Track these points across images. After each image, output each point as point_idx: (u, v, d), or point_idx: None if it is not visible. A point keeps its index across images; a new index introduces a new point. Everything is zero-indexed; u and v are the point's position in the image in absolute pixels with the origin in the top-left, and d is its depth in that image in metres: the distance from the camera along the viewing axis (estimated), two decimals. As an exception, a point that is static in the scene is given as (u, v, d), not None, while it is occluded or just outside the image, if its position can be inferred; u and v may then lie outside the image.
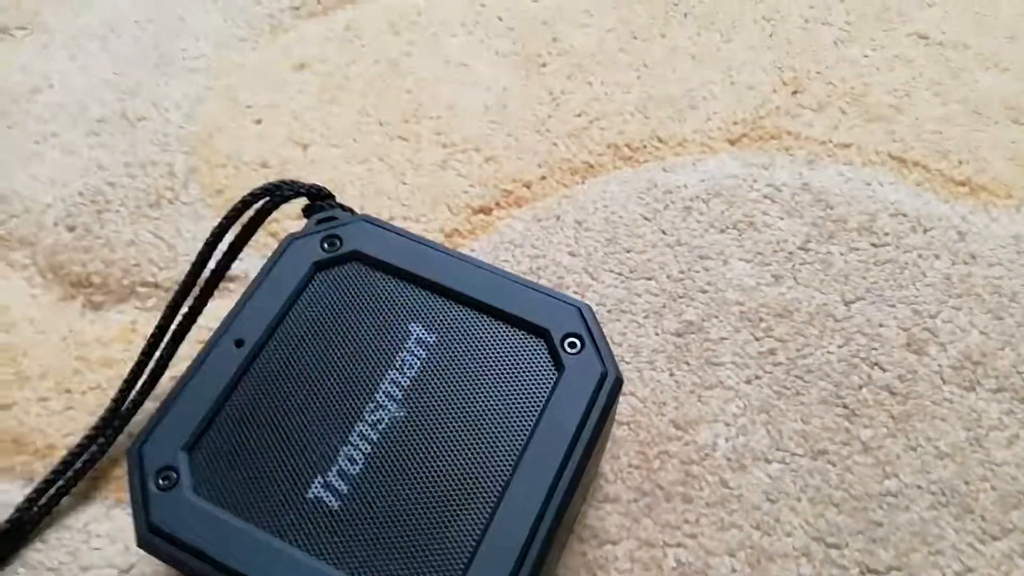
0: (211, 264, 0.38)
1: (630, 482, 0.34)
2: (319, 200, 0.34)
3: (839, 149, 0.43)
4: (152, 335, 0.36)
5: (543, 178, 0.42)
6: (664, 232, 0.40)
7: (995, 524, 0.33)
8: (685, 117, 0.44)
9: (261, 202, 0.33)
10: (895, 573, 0.32)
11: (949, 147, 0.43)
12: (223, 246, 0.38)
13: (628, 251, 0.40)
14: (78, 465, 0.33)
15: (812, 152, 0.43)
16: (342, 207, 0.34)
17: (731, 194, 0.41)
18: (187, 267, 0.38)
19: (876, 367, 0.36)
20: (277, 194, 0.32)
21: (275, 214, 0.41)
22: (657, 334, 0.37)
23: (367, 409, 0.27)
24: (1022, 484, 0.34)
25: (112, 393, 0.35)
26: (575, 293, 0.38)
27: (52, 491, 0.32)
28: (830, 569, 0.32)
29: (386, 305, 0.29)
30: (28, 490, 0.33)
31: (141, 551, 0.32)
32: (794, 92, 0.45)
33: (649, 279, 0.39)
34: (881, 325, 0.38)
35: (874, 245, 0.40)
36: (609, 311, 0.38)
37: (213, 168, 0.42)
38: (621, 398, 0.36)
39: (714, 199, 0.41)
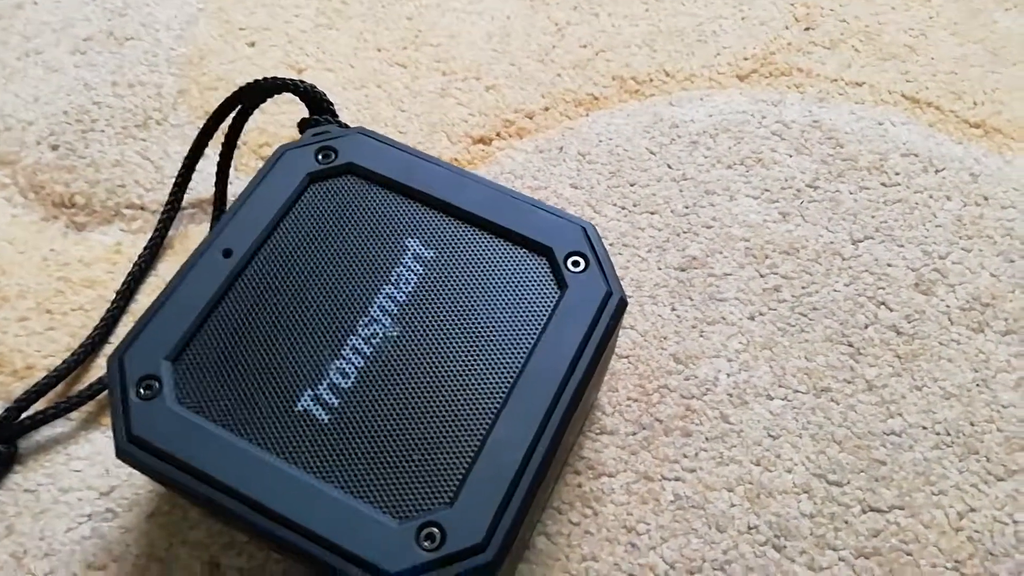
0: (204, 181, 0.36)
1: (628, 415, 0.33)
2: (315, 110, 0.33)
3: (851, 87, 0.42)
4: (140, 256, 0.35)
5: (546, 109, 0.41)
6: (670, 166, 0.39)
7: (1000, 465, 0.32)
8: (694, 51, 0.43)
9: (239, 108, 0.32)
10: (897, 512, 0.31)
11: (964, 88, 0.42)
12: (211, 167, 0.37)
13: (632, 184, 0.38)
14: (59, 387, 0.32)
15: (823, 90, 0.42)
16: (340, 124, 0.33)
17: (739, 130, 0.40)
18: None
19: (883, 306, 0.35)
20: (261, 90, 0.31)
21: (273, 133, 0.39)
22: (660, 268, 0.36)
23: (360, 323, 0.26)
24: (1029, 426, 0.33)
25: (95, 314, 0.34)
26: (576, 225, 0.37)
27: (31, 411, 0.31)
28: (831, 506, 0.31)
29: (382, 219, 0.28)
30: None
31: (122, 474, 0.31)
32: (806, 28, 0.43)
33: (653, 213, 0.38)
34: (889, 265, 0.37)
35: (884, 185, 0.39)
36: (611, 244, 0.37)
37: (203, 90, 0.41)
38: (621, 331, 0.35)
39: (722, 134, 0.40)
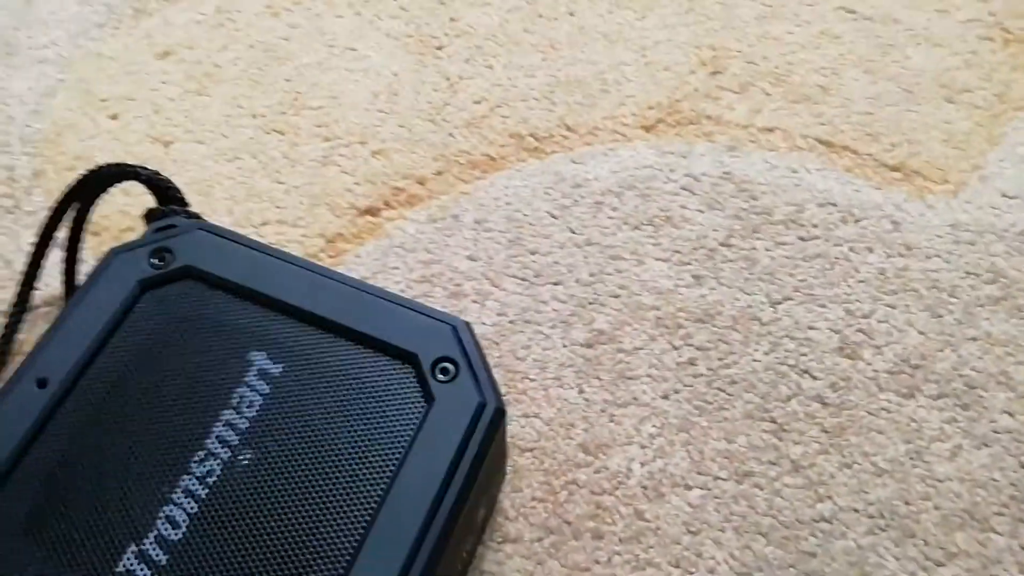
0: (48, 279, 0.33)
1: (534, 518, 0.30)
2: (161, 199, 0.29)
3: (763, 134, 0.39)
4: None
5: (439, 173, 0.38)
6: (573, 231, 0.36)
7: (938, 548, 0.30)
8: (596, 102, 0.40)
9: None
10: (831, 609, 0.28)
11: (880, 129, 0.39)
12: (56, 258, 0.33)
13: (533, 253, 0.35)
14: None
15: (734, 138, 0.39)
16: (189, 214, 0.29)
17: (646, 186, 0.37)
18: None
19: (806, 375, 0.33)
20: (97, 183, 0.27)
21: (135, 216, 0.36)
22: (565, 346, 0.33)
23: (195, 460, 0.22)
24: (966, 501, 0.30)
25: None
26: (474, 302, 0.34)
27: None
28: (758, 609, 0.28)
29: (223, 331, 0.24)
30: None
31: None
32: (713, 72, 0.41)
33: (556, 284, 0.35)
34: (811, 327, 0.34)
35: (802, 239, 0.36)
36: (512, 321, 0.34)
37: (61, 171, 0.37)
38: (525, 422, 0.32)
39: (627, 192, 0.37)
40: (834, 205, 0.37)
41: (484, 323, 0.34)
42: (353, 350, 0.24)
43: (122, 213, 0.36)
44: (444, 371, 0.24)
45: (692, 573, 0.29)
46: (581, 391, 0.32)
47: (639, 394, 0.32)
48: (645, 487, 0.30)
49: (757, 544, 0.29)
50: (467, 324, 0.25)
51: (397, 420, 0.23)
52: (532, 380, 0.33)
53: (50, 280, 0.34)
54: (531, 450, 0.31)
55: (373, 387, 0.24)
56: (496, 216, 0.36)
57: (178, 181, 0.36)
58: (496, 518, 0.30)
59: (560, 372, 0.33)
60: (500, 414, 0.23)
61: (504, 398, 0.32)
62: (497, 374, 0.32)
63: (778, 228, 0.36)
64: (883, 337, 0.34)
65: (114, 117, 0.38)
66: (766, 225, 0.36)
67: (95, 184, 0.29)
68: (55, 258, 0.33)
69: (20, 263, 0.34)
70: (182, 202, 0.29)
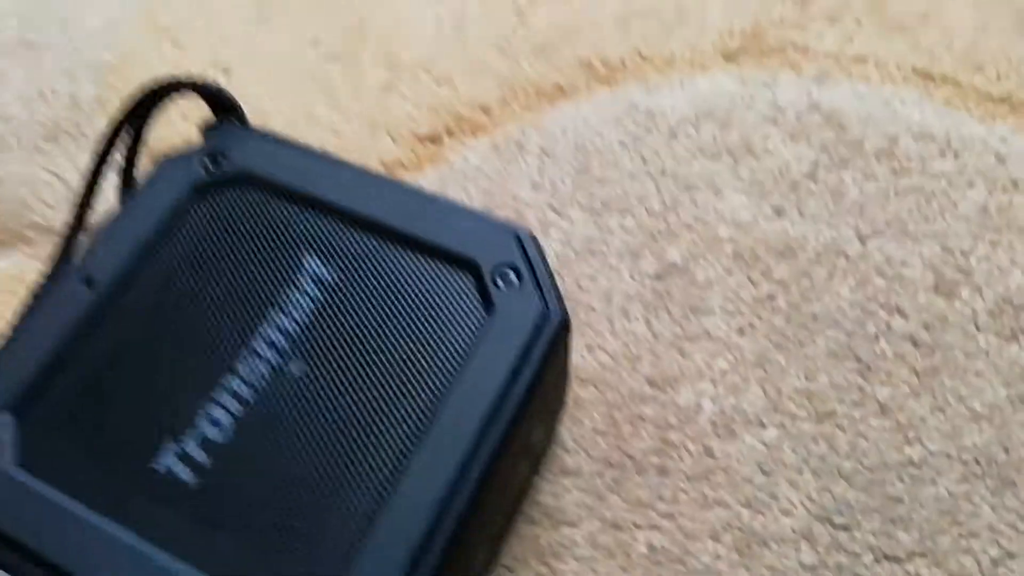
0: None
1: (595, 452, 0.28)
2: (218, 110, 0.28)
3: (854, 64, 0.36)
4: (39, 285, 0.31)
5: (504, 102, 0.36)
6: (645, 160, 0.34)
7: (1042, 501, 0.27)
8: (672, 30, 0.38)
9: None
10: (918, 560, 0.26)
11: (985, 59, 0.36)
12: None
13: (601, 182, 0.34)
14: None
15: (822, 68, 0.36)
16: (246, 126, 0.28)
17: (726, 116, 0.35)
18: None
19: (897, 313, 0.30)
20: (155, 96, 0.26)
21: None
22: (633, 278, 0.31)
23: (240, 361, 0.21)
24: (1077, 452, 0.27)
25: (-11, 352, 0.30)
26: (536, 231, 0.32)
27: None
28: (837, 556, 0.26)
29: (276, 235, 0.23)
30: None
31: None
32: (802, 0, 0.38)
33: (625, 214, 0.33)
34: (903, 264, 0.31)
35: (895, 172, 0.33)
36: (576, 252, 0.32)
37: (123, 97, 0.37)
38: (587, 354, 0.30)
39: (705, 122, 0.35)
40: (931, 138, 0.34)
41: (547, 253, 0.32)
42: (410, 256, 0.23)
43: (180, 137, 0.35)
44: (506, 279, 0.22)
45: (764, 514, 0.27)
46: (649, 324, 0.30)
47: (712, 328, 0.30)
48: (715, 424, 0.28)
49: (837, 487, 0.27)
50: (532, 234, 0.23)
51: (455, 329, 0.22)
52: (596, 312, 0.31)
53: (108, 202, 0.33)
54: (593, 383, 0.29)
55: (430, 294, 0.22)
56: (562, 145, 0.35)
57: (240, 106, 0.35)
58: (555, 449, 0.28)
59: (627, 304, 0.31)
60: (565, 325, 0.22)
61: (567, 328, 0.30)
62: (561, 304, 0.31)
63: (869, 161, 0.34)
64: (983, 276, 0.31)
65: (177, 45, 0.38)
66: (856, 158, 0.34)
67: (152, 98, 0.28)
68: (114, 181, 0.33)
69: (76, 185, 0.34)
70: (240, 116, 0.29)
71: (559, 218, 0.33)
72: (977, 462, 0.28)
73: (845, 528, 0.27)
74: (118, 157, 0.31)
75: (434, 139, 0.35)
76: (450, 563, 0.19)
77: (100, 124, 0.36)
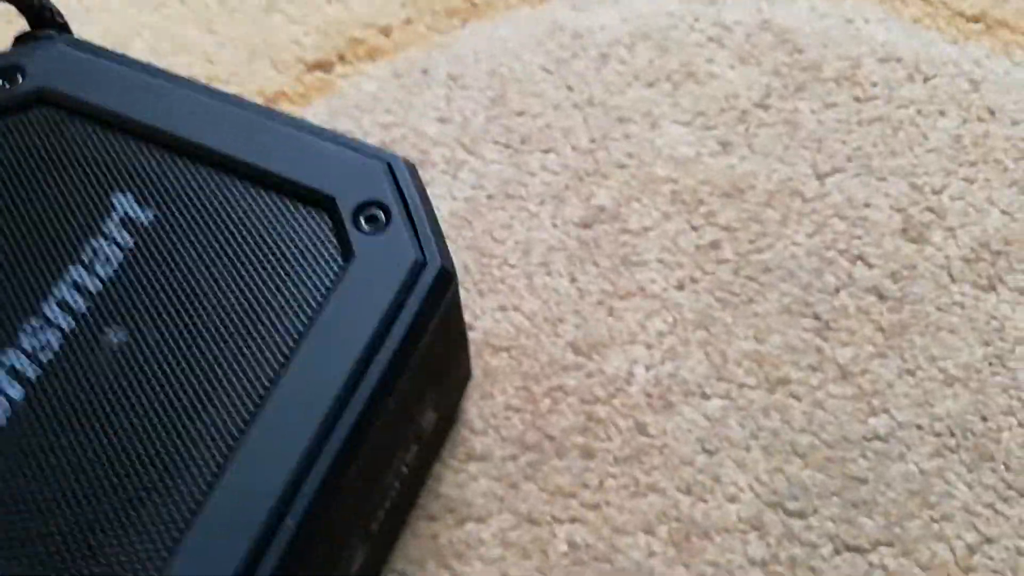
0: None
1: (508, 432, 0.24)
2: (37, 23, 0.23)
3: (811, -23, 0.32)
4: None
5: (408, 22, 0.31)
6: (571, 88, 0.29)
7: (1022, 474, 0.23)
8: (605, -60, 0.33)
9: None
10: (884, 550, 0.22)
11: (958, -28, 0.32)
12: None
13: (520, 114, 0.29)
14: None
15: (775, -18, 0.32)
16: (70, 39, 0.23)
17: (664, 37, 0.30)
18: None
19: (860, 262, 0.26)
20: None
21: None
22: (555, 225, 0.27)
23: (26, 331, 0.16)
24: (1064, 418, 0.24)
25: None
26: (443, 172, 0.28)
27: None
28: (791, 547, 0.22)
29: (81, 168, 0.18)
30: None
31: None
32: (751, -96, 0.33)
33: (547, 151, 0.28)
34: (867, 205, 0.27)
35: (858, 100, 0.29)
36: (490, 196, 0.27)
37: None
38: (501, 315, 0.25)
39: (641, 44, 0.30)
40: (898, 61, 0.30)
41: (456, 197, 0.27)
42: (251, 193, 0.18)
43: None
44: (371, 219, 0.17)
45: (706, 501, 0.23)
46: (574, 279, 0.26)
47: (646, 283, 0.26)
48: (650, 395, 0.24)
49: (792, 467, 0.23)
50: (409, 163, 0.18)
51: (305, 282, 0.17)
52: (512, 267, 0.26)
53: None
54: (507, 349, 0.25)
55: (275, 239, 0.17)
56: (475, 71, 0.30)
57: (91, 32, 0.30)
58: (459, 430, 0.24)
59: (548, 257, 0.26)
60: (445, 276, 0.17)
61: (477, 286, 0.25)
62: (469, 258, 0.26)
63: (828, 87, 0.29)
64: (958, 217, 0.27)
65: (23, -43, 0.32)
66: (813, 83, 0.29)
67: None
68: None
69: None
70: (62, 27, 0.23)
71: (470, 157, 0.28)
72: (951, 433, 0.24)
73: (800, 515, 0.23)
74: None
75: (324, 66, 0.30)
76: (299, 567, 0.15)
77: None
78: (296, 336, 0.16)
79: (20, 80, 0.19)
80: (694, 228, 0.27)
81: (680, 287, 0.26)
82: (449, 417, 0.22)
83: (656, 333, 0.25)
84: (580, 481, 0.23)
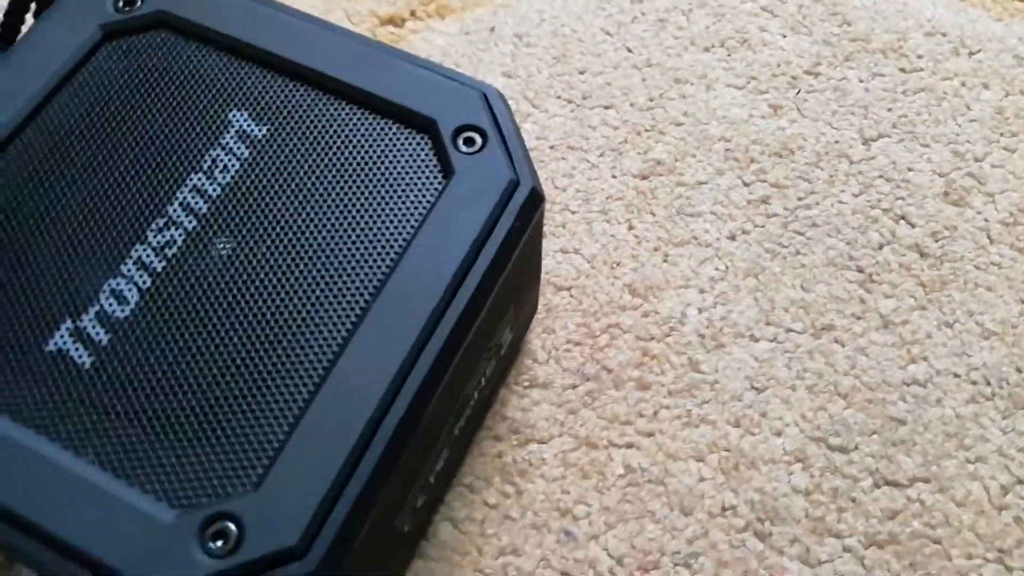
0: None
1: (568, 363, 0.25)
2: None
3: (862, -46, 0.33)
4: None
5: (475, -18, 0.32)
6: (630, 50, 0.31)
7: (1055, 424, 0.24)
8: (664, -88, 0.34)
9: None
10: (920, 486, 0.24)
11: (1003, -45, 0.33)
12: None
13: (582, 72, 0.30)
14: None
15: (826, -42, 0.33)
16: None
17: (719, 4, 0.32)
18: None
19: (903, 221, 0.27)
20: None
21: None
22: (615, 176, 0.28)
23: (152, 228, 0.18)
24: (1095, 371, 0.25)
25: None
26: (508, 123, 0.29)
27: None
28: (833, 480, 0.24)
29: (198, 86, 0.20)
30: None
31: None
32: None
33: (608, 107, 0.29)
34: (910, 169, 0.28)
35: (904, 71, 0.30)
36: (552, 147, 0.29)
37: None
38: (562, 257, 0.27)
39: (697, 10, 0.31)
40: (944, 35, 0.31)
41: (520, 146, 0.29)
42: (357, 113, 0.19)
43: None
44: (469, 141, 0.19)
45: (755, 434, 0.24)
46: (631, 227, 0.27)
47: (700, 233, 0.27)
48: (702, 336, 0.25)
49: (834, 406, 0.25)
50: (499, 93, 0.20)
51: (406, 195, 0.18)
52: (574, 212, 0.28)
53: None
54: (568, 288, 0.26)
55: (379, 156, 0.19)
56: (540, 31, 0.31)
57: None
58: (524, 359, 0.25)
59: (607, 205, 0.28)
60: (537, 196, 0.19)
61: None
62: (533, 202, 0.28)
63: (875, 57, 0.30)
64: (997, 184, 0.28)
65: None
66: (861, 53, 0.31)
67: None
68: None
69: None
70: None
71: (534, 110, 0.29)
72: (987, 382, 0.25)
73: (842, 450, 0.24)
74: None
75: (396, 21, 0.31)
76: (393, 467, 0.16)
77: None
78: (403, 243, 0.18)
79: (139, 3, 0.21)
80: (746, 184, 0.28)
81: (732, 237, 0.27)
82: (518, 342, 0.24)
83: (708, 279, 0.26)
84: (635, 411, 0.24)
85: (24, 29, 0.23)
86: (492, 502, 0.23)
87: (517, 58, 0.30)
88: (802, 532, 0.23)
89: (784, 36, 0.31)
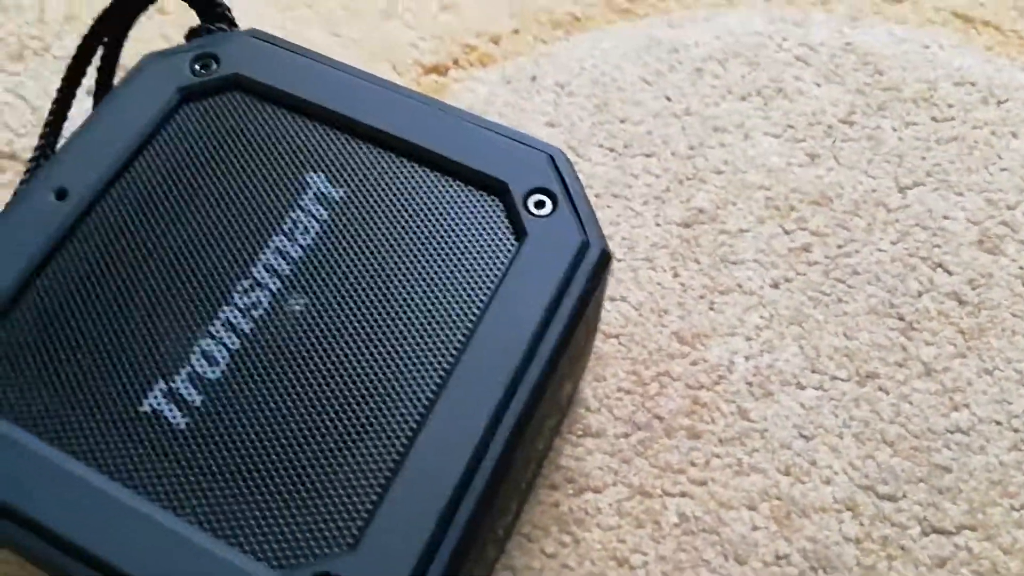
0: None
1: (619, 411, 0.26)
2: (206, 15, 0.25)
3: (889, 4, 0.34)
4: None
5: (516, 32, 0.33)
6: (669, 99, 0.31)
7: (1096, 471, 0.25)
8: (697, -37, 0.35)
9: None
10: (967, 534, 0.24)
11: (1027, 6, 0.34)
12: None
13: (623, 121, 0.31)
14: None
15: (855, 7, 0.34)
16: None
17: (754, 54, 0.32)
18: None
19: (940, 269, 0.28)
20: (128, 4, 0.23)
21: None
22: (658, 224, 0.29)
23: (237, 290, 0.18)
24: None
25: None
26: (553, 172, 0.30)
27: None
28: (882, 528, 0.24)
29: (275, 149, 0.20)
30: None
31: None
32: (835, -65, 0.35)
33: (649, 156, 0.30)
34: (946, 217, 0.29)
35: (935, 120, 0.31)
36: (598, 195, 0.29)
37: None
38: (609, 304, 0.27)
39: (733, 60, 0.32)
40: (973, 84, 0.32)
41: (565, 195, 0.29)
42: (430, 176, 0.20)
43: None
44: (540, 204, 0.19)
45: (804, 483, 0.25)
46: (676, 274, 0.28)
47: (744, 281, 0.28)
48: (750, 384, 0.26)
49: (881, 454, 0.25)
50: (564, 155, 0.20)
51: (482, 257, 0.19)
52: (619, 260, 0.28)
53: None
54: (617, 336, 0.27)
55: (453, 218, 0.19)
56: (580, 80, 0.32)
57: (223, 26, 0.32)
58: (576, 408, 0.25)
59: (652, 253, 0.28)
60: (606, 257, 0.19)
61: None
62: (579, 251, 0.28)
63: (907, 106, 0.31)
64: (1031, 232, 0.29)
65: (155, -42, 0.34)
66: (894, 102, 0.31)
67: (125, 8, 0.25)
68: (86, 105, 0.29)
69: (47, 109, 0.31)
70: (230, 22, 0.25)
71: (578, 158, 0.30)
72: (1029, 428, 0.26)
73: (890, 498, 0.24)
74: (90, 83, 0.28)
75: (439, 70, 0.32)
76: (481, 523, 0.16)
77: (69, 42, 0.32)
78: (481, 303, 0.18)
79: (215, 65, 0.21)
80: (786, 232, 0.29)
81: (775, 285, 0.28)
82: (573, 392, 0.24)
83: (754, 327, 0.27)
84: (687, 459, 0.25)
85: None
86: (550, 551, 0.23)
87: (559, 107, 0.31)
88: (855, 580, 0.23)
89: (818, 85, 0.32)
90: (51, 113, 0.28)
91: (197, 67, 0.21)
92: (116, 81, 0.29)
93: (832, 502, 0.24)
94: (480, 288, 0.19)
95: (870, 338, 0.27)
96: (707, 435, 0.25)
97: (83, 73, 0.27)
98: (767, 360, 0.26)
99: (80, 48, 0.27)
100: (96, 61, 0.28)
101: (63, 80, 0.27)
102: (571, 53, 0.32)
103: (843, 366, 0.26)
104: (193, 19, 0.25)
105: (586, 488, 0.24)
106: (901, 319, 0.27)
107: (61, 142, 0.29)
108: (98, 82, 0.28)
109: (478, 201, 0.20)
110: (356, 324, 0.18)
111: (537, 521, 0.24)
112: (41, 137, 0.28)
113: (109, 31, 0.27)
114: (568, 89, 0.31)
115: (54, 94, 0.31)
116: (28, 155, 0.30)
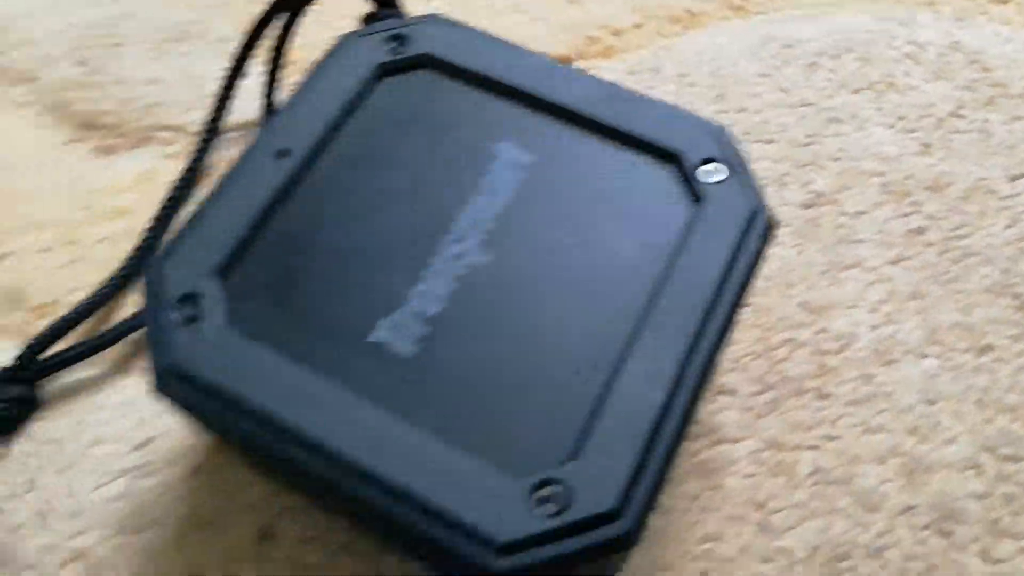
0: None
1: (750, 372, 0.27)
2: (381, 2, 0.28)
3: (994, 5, 0.36)
4: (175, 183, 0.30)
5: (637, 26, 0.35)
6: (784, 91, 0.33)
7: None
8: (807, -34, 0.37)
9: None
10: (1085, 494, 0.25)
11: None
12: (256, 86, 0.32)
13: (741, 110, 0.33)
14: (86, 325, 0.28)
15: (961, 8, 0.36)
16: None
17: (865, 51, 0.34)
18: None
19: (1051, 252, 0.30)
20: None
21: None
22: (781, 205, 0.31)
23: (447, 240, 0.21)
24: None
25: (124, 247, 0.29)
26: (679, 156, 0.32)
27: (54, 351, 0.27)
28: (1005, 486, 0.26)
29: (467, 120, 0.23)
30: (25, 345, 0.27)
31: (160, 424, 0.26)
32: (939, -60, 0.37)
33: (769, 143, 0.32)
34: (1055, 205, 0.31)
35: (1042, 114, 0.33)
36: (720, 178, 0.31)
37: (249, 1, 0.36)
38: (737, 277, 0.29)
39: (845, 55, 0.34)
40: (1077, 82, 0.33)
41: (692, 177, 0.31)
42: (610, 147, 0.22)
43: (312, 47, 0.34)
44: (711, 173, 0.22)
45: (930, 442, 0.26)
46: (800, 251, 0.30)
47: (864, 258, 0.30)
48: (875, 351, 0.28)
49: (1002, 419, 0.27)
50: (727, 129, 0.22)
51: (662, 218, 0.21)
52: (744, 238, 0.30)
53: (238, 105, 0.32)
54: (747, 305, 0.29)
55: (633, 183, 0.22)
56: (699, 72, 0.34)
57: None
58: (712, 369, 0.27)
59: (776, 230, 0.30)
60: (773, 223, 0.21)
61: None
62: (707, 228, 0.30)
63: (1015, 102, 0.33)
64: None
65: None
66: (1002, 98, 0.33)
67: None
68: (247, 83, 0.32)
69: (210, 87, 0.33)
70: (398, 9, 0.28)
71: (701, 144, 0.32)
72: None
73: (1013, 459, 0.26)
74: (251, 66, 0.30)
75: (565, 60, 0.34)
76: (679, 443, 0.18)
77: (226, 27, 0.35)
78: (663, 258, 0.20)
79: (407, 44, 0.24)
80: (903, 215, 0.30)
81: (894, 263, 0.29)
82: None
83: (875, 301, 0.29)
84: (817, 418, 0.27)
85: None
86: (693, 494, 0.25)
87: (681, 96, 0.33)
88: (980, 533, 0.25)
89: (927, 81, 0.33)
90: (222, 86, 0.31)
91: (391, 46, 0.24)
92: (286, 58, 0.32)
93: (956, 460, 0.26)
94: (663, 244, 0.21)
95: (986, 314, 0.29)
96: (834, 396, 0.27)
97: (251, 52, 0.30)
98: (888, 331, 0.28)
99: (256, 21, 0.29)
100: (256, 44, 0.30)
101: (236, 55, 0.30)
102: (689, 47, 0.35)
103: (962, 339, 0.28)
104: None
105: (723, 440, 0.26)
106: (1016, 298, 0.29)
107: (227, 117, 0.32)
108: (274, 60, 0.31)
109: (655, 168, 0.22)
110: (556, 272, 0.20)
111: (677, 471, 0.26)
112: (214, 111, 0.31)
113: (285, 8, 0.29)
114: (688, 80, 0.34)
115: (214, 73, 0.34)
116: (194, 129, 0.32)
